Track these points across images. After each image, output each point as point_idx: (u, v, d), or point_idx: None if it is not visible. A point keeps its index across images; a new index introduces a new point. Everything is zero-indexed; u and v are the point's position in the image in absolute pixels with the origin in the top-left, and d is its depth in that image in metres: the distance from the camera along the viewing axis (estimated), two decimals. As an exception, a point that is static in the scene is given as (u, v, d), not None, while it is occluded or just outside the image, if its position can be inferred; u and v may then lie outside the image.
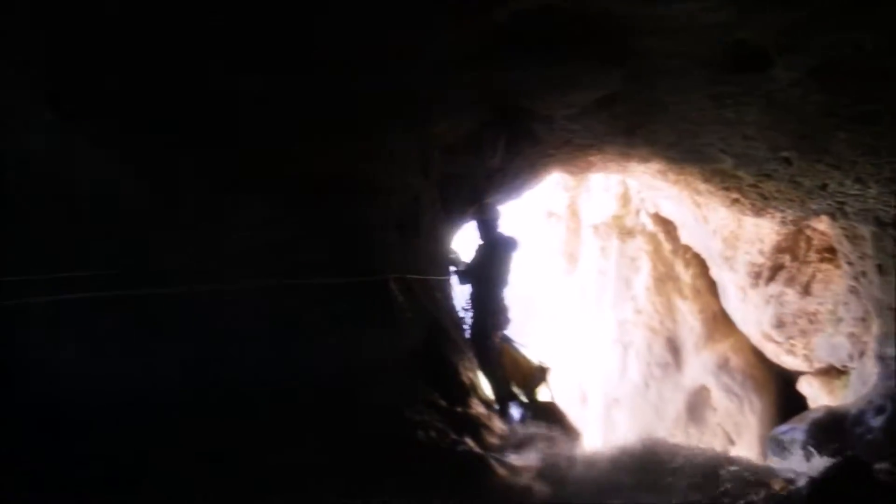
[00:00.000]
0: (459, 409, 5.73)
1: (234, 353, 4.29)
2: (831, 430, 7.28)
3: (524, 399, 7.45)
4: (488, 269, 7.44)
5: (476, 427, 5.61)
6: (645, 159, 8.54)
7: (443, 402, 5.61)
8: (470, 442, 5.19)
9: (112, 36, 3.84)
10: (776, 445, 7.90)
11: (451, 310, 7.25)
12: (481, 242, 7.60)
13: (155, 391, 3.83)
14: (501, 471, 4.88)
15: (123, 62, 4.02)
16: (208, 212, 4.52)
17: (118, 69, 4.02)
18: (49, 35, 3.69)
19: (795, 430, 7.76)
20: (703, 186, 9.00)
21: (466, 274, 7.53)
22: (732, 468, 5.05)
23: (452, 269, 7.60)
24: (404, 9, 4.38)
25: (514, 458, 5.29)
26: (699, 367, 12.99)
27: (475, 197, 7.53)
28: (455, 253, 7.83)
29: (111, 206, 4.13)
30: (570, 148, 8.09)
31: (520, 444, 5.72)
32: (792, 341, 10.92)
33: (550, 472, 5.06)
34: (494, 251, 7.59)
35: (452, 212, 7.34)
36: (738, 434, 12.52)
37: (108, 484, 3.52)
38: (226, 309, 4.35)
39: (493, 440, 5.60)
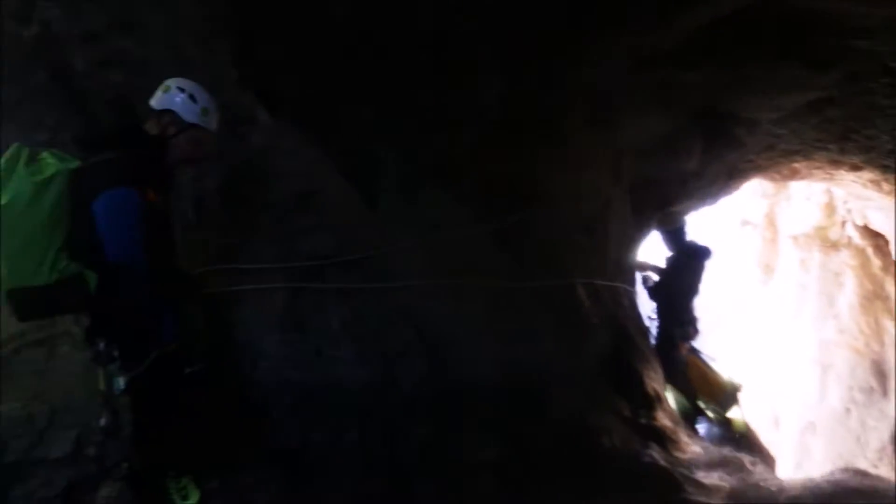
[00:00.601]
0: (644, 420, 5.60)
1: (426, 350, 4.48)
2: None
3: (712, 416, 7.13)
4: (678, 278, 7.19)
5: (662, 439, 5.45)
6: (856, 167, 7.88)
7: (627, 411, 5.51)
8: (655, 454, 5.06)
9: (325, 44, 4.20)
10: None
11: (637, 317, 7.08)
12: (672, 250, 7.37)
13: (360, 380, 4.11)
14: (689, 488, 4.72)
15: (331, 70, 4.38)
16: (399, 211, 4.75)
17: (324, 76, 4.39)
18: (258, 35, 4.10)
19: None
20: (923, 199, 8.17)
21: (656, 282, 7.32)
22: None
23: (641, 276, 7.43)
24: (607, 7, 4.40)
25: (702, 476, 5.10)
26: (908, 394, 11.67)
27: (667, 202, 7.31)
28: (644, 259, 7.65)
29: (317, 203, 4.47)
30: (773, 154, 7.68)
31: (708, 463, 5.49)
32: None
33: (741, 497, 4.82)
34: (685, 259, 7.32)
35: (643, 217, 7.18)
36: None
37: (318, 470, 3.83)
38: (418, 306, 4.55)
39: (680, 455, 5.42)
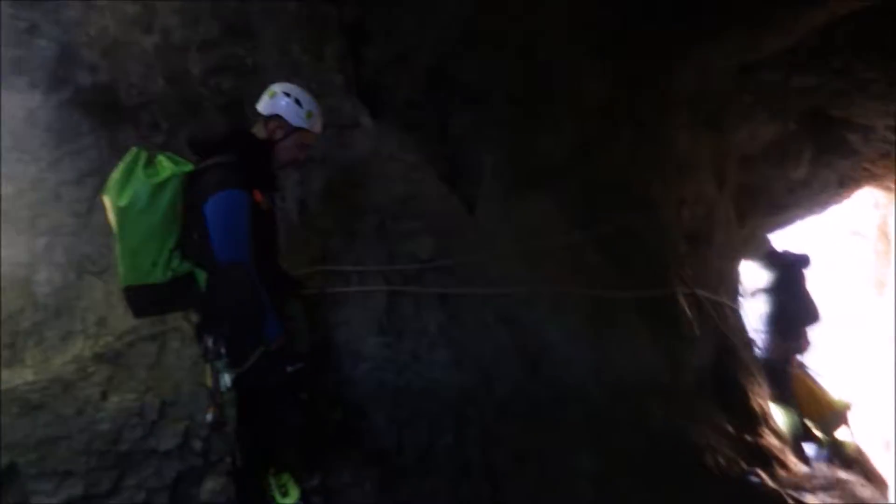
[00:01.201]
0: (749, 438, 5.35)
1: (522, 356, 4.42)
2: None
3: (820, 436, 6.75)
4: (784, 289, 6.86)
5: (768, 459, 5.20)
6: (984, 177, 7.34)
7: (730, 428, 5.27)
8: (762, 473, 4.83)
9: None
10: None
11: (742, 330, 6.79)
12: (776, 261, 7.04)
13: (455, 384, 4.10)
14: (797, 511, 4.49)
15: (432, 75, 4.40)
16: (498, 216, 4.71)
17: (425, 81, 4.41)
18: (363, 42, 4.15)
19: None
20: None
21: (761, 293, 7.00)
22: None
23: (746, 286, 7.12)
24: (714, 9, 4.25)
25: (810, 500, 4.83)
26: None
27: (773, 211, 6.99)
28: (750, 269, 7.32)
29: (417, 207, 4.49)
30: (888, 162, 7.21)
31: (817, 486, 5.21)
32: None
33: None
34: (790, 270, 6.99)
35: (747, 226, 6.89)
36: None
37: (413, 472, 3.86)
38: (518, 311, 4.50)
39: (788, 476, 5.15)
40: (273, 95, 3.19)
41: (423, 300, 4.31)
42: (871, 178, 7.91)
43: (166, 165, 2.95)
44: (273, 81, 3.31)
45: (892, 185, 8.70)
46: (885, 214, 12.72)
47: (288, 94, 3.18)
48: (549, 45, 4.37)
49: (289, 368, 3.02)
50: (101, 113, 4.46)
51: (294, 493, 3.47)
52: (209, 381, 3.02)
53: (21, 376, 4.05)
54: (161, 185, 2.86)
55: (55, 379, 4.01)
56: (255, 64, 4.18)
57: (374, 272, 4.23)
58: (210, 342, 2.95)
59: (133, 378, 4.03)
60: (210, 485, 3.62)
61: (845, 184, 7.81)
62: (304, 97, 3.22)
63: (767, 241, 7.19)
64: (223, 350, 2.94)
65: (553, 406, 4.25)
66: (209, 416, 3.01)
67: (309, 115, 3.20)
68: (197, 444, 3.76)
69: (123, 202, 2.82)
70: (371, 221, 4.35)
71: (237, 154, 2.99)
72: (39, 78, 4.61)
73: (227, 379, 2.95)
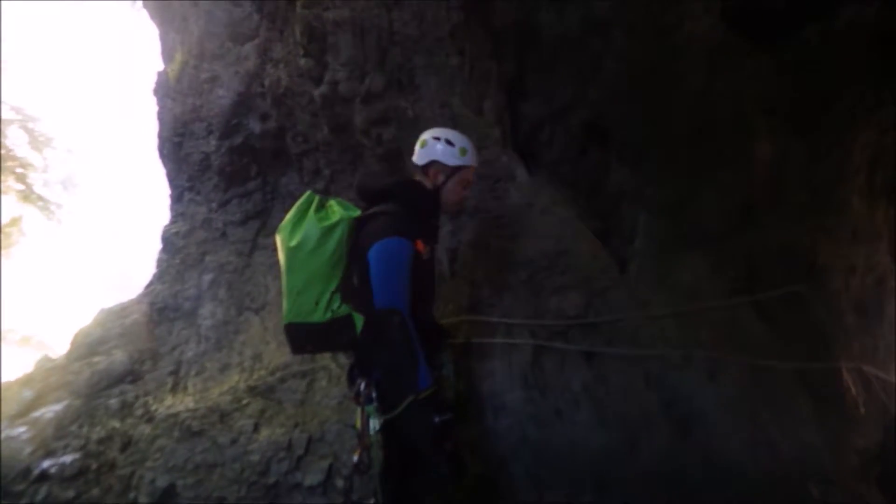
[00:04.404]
0: (918, 532, 4.82)
1: (670, 422, 4.21)
2: None
3: None
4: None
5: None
6: None
7: (891, 514, 4.78)
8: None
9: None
10: None
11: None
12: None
13: (598, 445, 3.96)
14: None
15: (588, 129, 4.36)
16: (651, 275, 4.56)
17: (581, 135, 4.39)
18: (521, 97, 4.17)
19: None
20: None
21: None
22: None
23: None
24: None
25: None
26: None
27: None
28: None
29: (568, 262, 4.42)
30: None
31: None
32: None
33: None
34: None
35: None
36: None
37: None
38: (665, 375, 4.32)
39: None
40: (424, 144, 3.26)
41: (568, 357, 4.22)
42: None
43: (336, 210, 3.07)
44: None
45: None
46: None
47: (438, 139, 3.23)
48: (717, 103, 4.25)
49: (437, 419, 3.01)
50: (269, 159, 4.74)
51: (431, 542, 3.43)
52: (358, 423, 3.06)
53: (183, 403, 4.30)
54: (330, 229, 2.96)
55: (213, 408, 4.22)
56: (416, 116, 4.31)
57: (521, 326, 4.18)
58: (362, 385, 3.00)
59: (283, 413, 4.17)
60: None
61: None
62: (454, 136, 3.26)
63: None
64: (374, 394, 2.97)
65: (701, 477, 4.00)
66: (355, 457, 3.04)
67: (463, 151, 3.23)
68: (339, 483, 3.82)
69: (294, 242, 2.94)
70: (521, 274, 4.33)
71: (404, 202, 3.07)
72: (216, 125, 4.98)
73: (376, 423, 2.99)
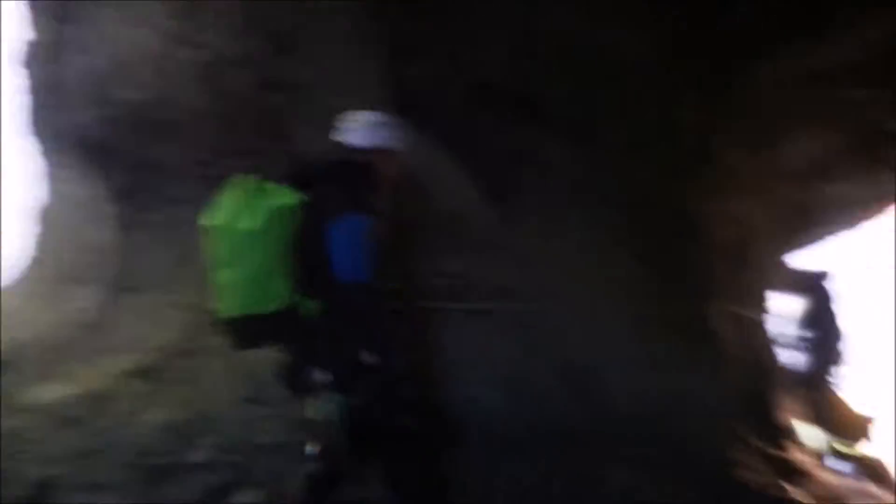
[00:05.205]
0: (778, 454, 5.33)
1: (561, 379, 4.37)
2: None
3: (844, 451, 6.72)
4: (816, 308, 6.92)
5: (798, 475, 5.18)
6: None
7: (760, 444, 5.24)
8: (793, 490, 4.80)
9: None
10: None
11: (773, 348, 6.78)
12: (806, 279, 7.08)
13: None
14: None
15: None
16: (539, 230, 4.67)
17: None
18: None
19: None
20: None
21: (791, 311, 7.02)
22: None
23: (778, 304, 7.10)
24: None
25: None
26: None
27: (816, 227, 6.97)
28: (782, 287, 7.29)
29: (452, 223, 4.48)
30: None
31: (844, 499, 5.33)
32: None
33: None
34: (819, 288, 7.11)
35: (788, 243, 6.85)
36: None
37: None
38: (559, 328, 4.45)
39: (818, 491, 5.13)
40: (346, 129, 3.13)
41: (458, 317, 4.28)
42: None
43: (277, 191, 2.85)
44: (317, 98, 3.26)
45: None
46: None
47: (355, 122, 3.14)
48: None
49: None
50: (146, 130, 4.41)
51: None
52: (314, 413, 2.91)
53: (57, 391, 4.04)
54: (280, 210, 2.77)
55: (90, 394, 4.00)
56: (300, 81, 4.13)
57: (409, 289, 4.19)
58: (316, 374, 2.84)
59: (166, 393, 4.01)
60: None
61: (886, 199, 7.62)
62: (366, 116, 3.18)
63: (799, 259, 7.25)
64: (332, 379, 2.83)
65: (590, 430, 4.21)
66: (310, 448, 2.93)
67: (369, 130, 3.13)
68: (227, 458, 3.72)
69: (244, 226, 2.72)
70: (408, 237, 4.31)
71: (346, 182, 2.94)
72: (87, 94, 4.61)
73: (335, 411, 2.84)
